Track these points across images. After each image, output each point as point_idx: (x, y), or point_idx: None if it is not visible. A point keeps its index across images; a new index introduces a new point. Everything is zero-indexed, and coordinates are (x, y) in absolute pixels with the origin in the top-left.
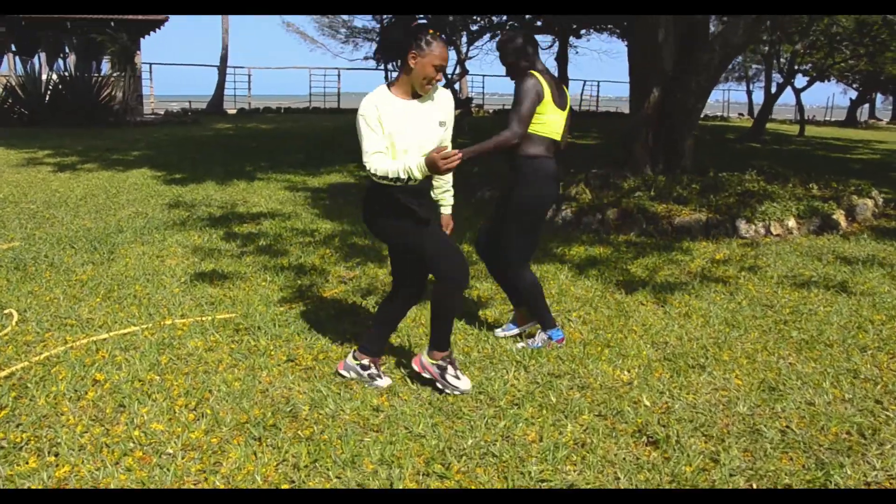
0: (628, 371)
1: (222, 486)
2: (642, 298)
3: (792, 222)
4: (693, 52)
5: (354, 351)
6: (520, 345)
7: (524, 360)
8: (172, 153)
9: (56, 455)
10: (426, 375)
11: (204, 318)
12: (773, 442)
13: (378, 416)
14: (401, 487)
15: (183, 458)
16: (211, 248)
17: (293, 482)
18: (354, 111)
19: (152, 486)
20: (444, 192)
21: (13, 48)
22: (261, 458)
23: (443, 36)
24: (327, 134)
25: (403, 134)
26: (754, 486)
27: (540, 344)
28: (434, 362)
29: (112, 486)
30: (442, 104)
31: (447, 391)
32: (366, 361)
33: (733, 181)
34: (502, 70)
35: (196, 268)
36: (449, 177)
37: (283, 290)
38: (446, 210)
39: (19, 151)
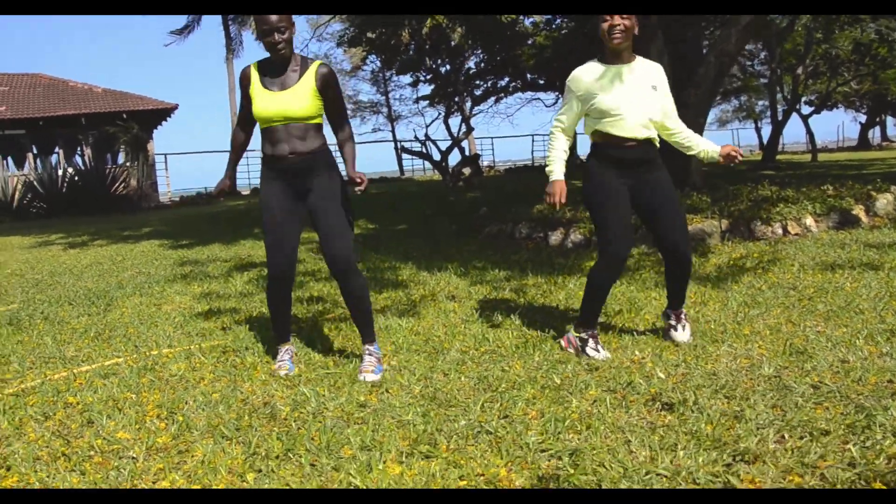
0: (639, 352)
1: (182, 483)
2: (655, 294)
3: (810, 220)
4: (688, 66)
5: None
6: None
7: (527, 350)
8: (182, 226)
9: (7, 469)
10: (570, 350)
11: (192, 347)
12: (804, 395)
13: (364, 410)
14: (381, 468)
15: (144, 460)
16: (210, 293)
17: (261, 471)
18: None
19: (105, 486)
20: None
21: (34, 149)
22: (229, 453)
23: None
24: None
25: None
26: (786, 437)
27: None
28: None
29: (63, 488)
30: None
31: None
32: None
33: (745, 191)
34: (511, 131)
35: (192, 310)
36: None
37: None
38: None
39: (33, 237)
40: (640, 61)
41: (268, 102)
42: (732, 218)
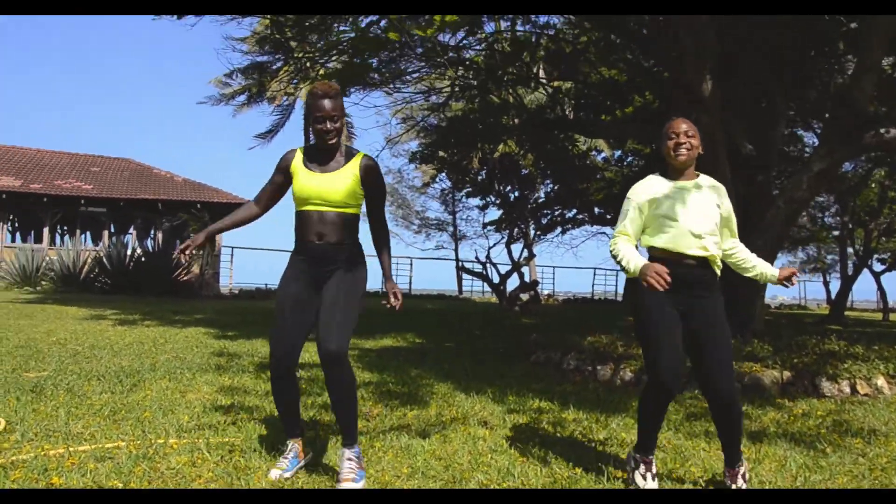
0: None
1: None
2: (704, 445)
3: (882, 381)
4: (756, 210)
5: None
6: None
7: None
8: (233, 317)
9: None
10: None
11: (200, 440)
12: None
13: None
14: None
15: None
16: (238, 387)
17: None
18: (425, 298)
19: None
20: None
21: (111, 228)
22: None
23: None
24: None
25: None
26: None
27: None
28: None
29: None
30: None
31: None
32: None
33: (810, 343)
34: (574, 262)
35: (215, 401)
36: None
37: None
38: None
39: (90, 309)
40: (704, 178)
41: (308, 180)
42: (796, 370)
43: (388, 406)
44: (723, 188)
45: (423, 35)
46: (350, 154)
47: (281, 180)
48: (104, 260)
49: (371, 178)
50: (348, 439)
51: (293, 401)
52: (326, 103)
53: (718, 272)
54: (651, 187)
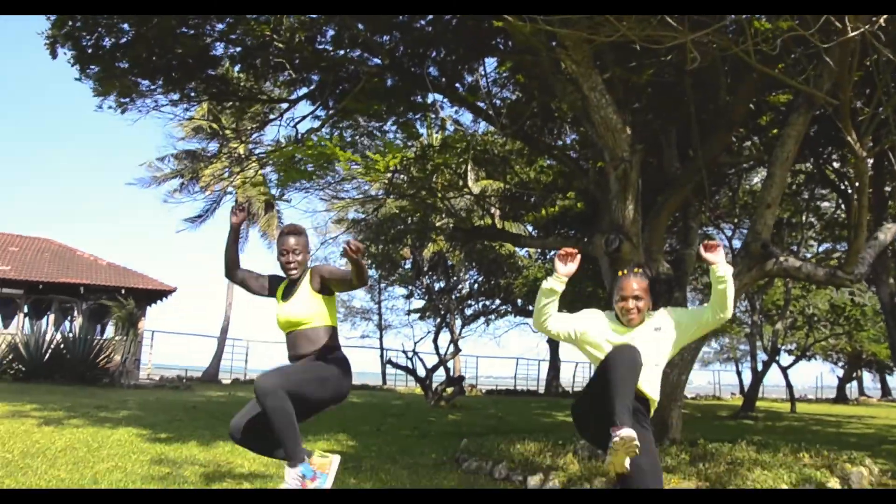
0: None
1: None
2: None
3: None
4: None
5: None
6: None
7: None
8: (160, 414)
9: None
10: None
11: None
12: None
13: None
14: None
15: None
16: None
17: None
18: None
19: None
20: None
21: (26, 309)
22: None
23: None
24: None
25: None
26: None
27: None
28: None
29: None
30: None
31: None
32: None
33: (723, 451)
34: (498, 352)
35: None
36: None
37: None
38: None
39: (7, 404)
40: (652, 320)
41: (278, 311)
42: (709, 481)
43: None
44: (662, 311)
45: (364, 176)
46: (305, 273)
47: (259, 286)
48: (20, 347)
49: (322, 275)
50: (285, 457)
51: (258, 445)
52: (290, 239)
53: (650, 399)
54: (603, 317)
